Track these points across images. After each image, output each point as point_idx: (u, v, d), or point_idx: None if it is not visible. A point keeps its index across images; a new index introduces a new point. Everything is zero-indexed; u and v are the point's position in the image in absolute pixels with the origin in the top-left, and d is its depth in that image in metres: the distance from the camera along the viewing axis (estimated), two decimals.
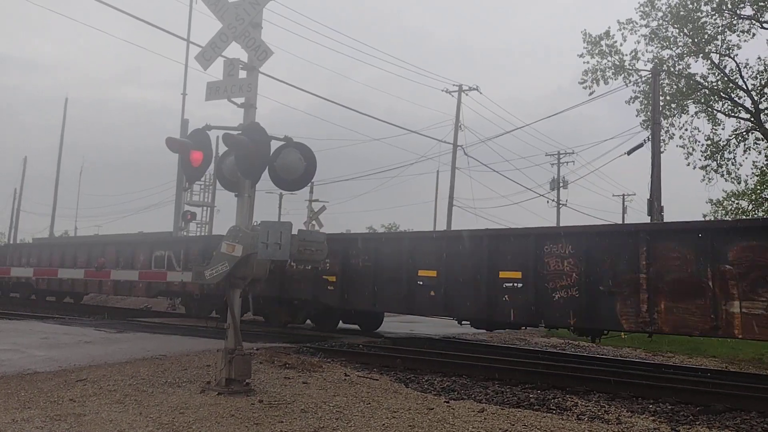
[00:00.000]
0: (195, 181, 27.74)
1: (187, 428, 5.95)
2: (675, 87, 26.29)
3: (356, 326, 17.32)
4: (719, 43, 25.03)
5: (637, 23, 25.41)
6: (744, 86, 25.31)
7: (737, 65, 25.16)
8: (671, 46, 25.49)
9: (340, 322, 16.98)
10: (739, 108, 25.87)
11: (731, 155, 26.81)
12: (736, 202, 31.70)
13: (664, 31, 25.28)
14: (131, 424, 6.00)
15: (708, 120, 26.81)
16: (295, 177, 8.15)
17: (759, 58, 25.95)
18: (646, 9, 25.15)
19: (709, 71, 25.93)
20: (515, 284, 12.48)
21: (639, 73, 25.86)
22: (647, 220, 21.34)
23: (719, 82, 25.93)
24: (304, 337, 14.16)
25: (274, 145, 8.07)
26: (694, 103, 26.64)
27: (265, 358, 10.32)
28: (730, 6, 23.98)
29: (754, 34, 24.58)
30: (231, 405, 6.87)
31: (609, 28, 27.12)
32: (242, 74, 8.12)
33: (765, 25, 24.15)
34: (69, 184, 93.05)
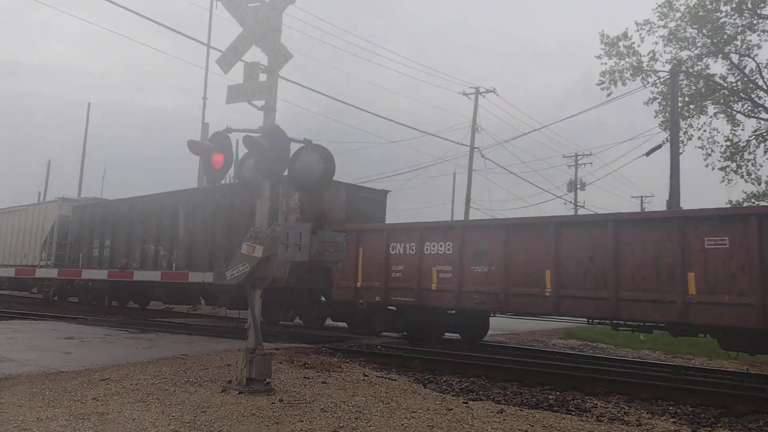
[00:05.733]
0: (216, 183, 27.83)
1: (208, 427, 6.03)
2: (694, 88, 26.02)
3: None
4: (739, 43, 24.72)
5: (654, 24, 25.23)
6: (764, 86, 24.96)
7: (757, 65, 24.83)
8: (690, 46, 25.24)
9: None
10: (760, 108, 25.55)
11: (751, 156, 26.49)
12: (757, 203, 31.26)
13: (682, 31, 25.04)
14: (153, 423, 6.10)
15: (727, 121, 26.51)
16: (314, 179, 8.23)
17: None
18: (664, 10, 24.95)
19: (729, 72, 25.66)
20: None
21: (657, 74, 25.69)
22: None
23: (739, 83, 25.63)
24: (323, 338, 14.24)
25: (294, 147, 8.17)
26: (713, 103, 26.35)
27: (284, 358, 10.41)
28: (750, 5, 23.71)
29: None
30: (252, 404, 6.95)
31: (627, 29, 26.97)
32: (261, 77, 8.22)
33: None
34: (91, 189, 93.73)
